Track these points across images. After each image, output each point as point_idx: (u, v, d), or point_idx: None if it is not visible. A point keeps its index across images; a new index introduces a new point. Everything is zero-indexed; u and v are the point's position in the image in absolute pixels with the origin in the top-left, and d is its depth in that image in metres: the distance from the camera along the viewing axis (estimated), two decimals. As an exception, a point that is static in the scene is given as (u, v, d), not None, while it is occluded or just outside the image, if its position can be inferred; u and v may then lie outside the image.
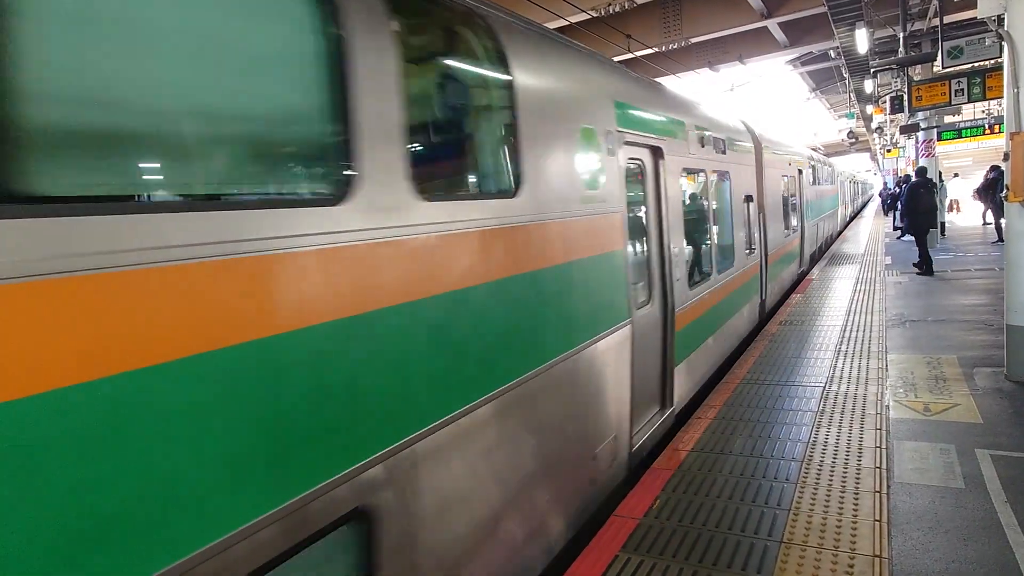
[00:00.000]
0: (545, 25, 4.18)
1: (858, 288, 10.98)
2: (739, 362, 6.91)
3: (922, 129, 16.40)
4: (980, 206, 19.00)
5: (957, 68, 12.20)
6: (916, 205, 12.23)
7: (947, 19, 12.94)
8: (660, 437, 5.03)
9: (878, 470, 4.07)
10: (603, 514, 3.97)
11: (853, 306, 9.42)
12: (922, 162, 16.44)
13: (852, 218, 32.43)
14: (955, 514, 3.50)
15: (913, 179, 13.74)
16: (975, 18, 6.31)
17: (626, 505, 3.87)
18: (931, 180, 13.16)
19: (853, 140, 36.77)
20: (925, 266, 11.86)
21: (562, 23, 15.13)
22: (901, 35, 14.37)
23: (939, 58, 11.76)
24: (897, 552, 3.18)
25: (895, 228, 20.08)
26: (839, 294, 10.50)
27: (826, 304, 9.72)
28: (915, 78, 15.32)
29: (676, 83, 21.15)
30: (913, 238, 12.59)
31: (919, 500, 3.68)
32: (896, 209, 19.25)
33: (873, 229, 23.76)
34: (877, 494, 3.76)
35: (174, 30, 1.73)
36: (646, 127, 4.87)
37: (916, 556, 3.15)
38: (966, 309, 8.68)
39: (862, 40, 14.67)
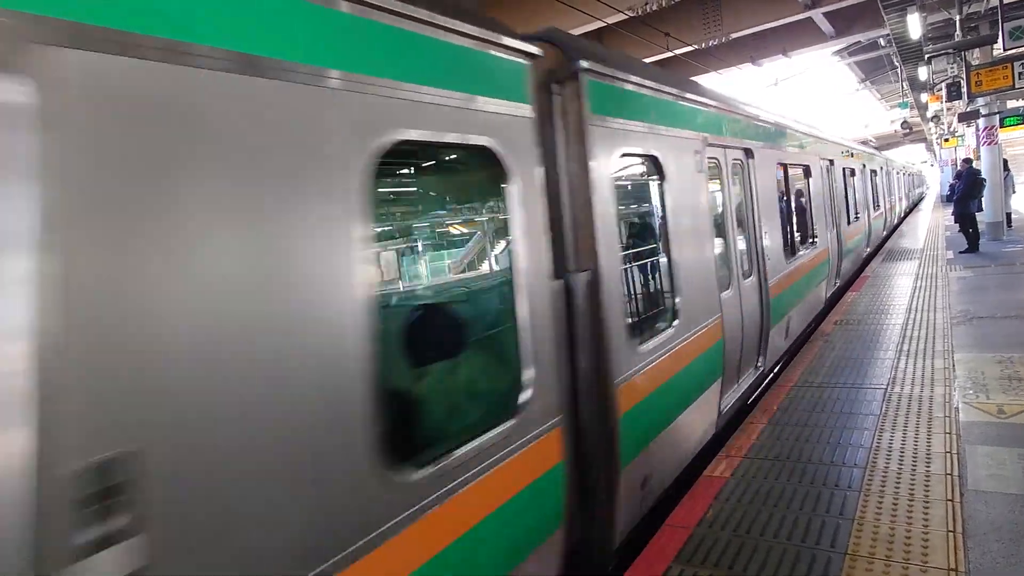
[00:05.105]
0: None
1: (918, 284, 10.47)
2: (792, 363, 6.65)
3: (983, 116, 15.53)
4: None
5: (1020, 49, 11.55)
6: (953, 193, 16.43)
7: (1007, -2, 12.25)
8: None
9: (949, 477, 3.82)
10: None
11: (914, 303, 8.98)
12: (968, 155, 19.57)
13: (906, 214, 31.04)
14: (1038, 524, 3.24)
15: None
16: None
17: (678, 514, 3.74)
18: (975, 171, 15.05)
19: (907, 131, 35.30)
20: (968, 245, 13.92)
21: (599, 24, 14.98)
22: (957, 18, 13.67)
23: (1000, 40, 11.16)
24: (975, 565, 2.96)
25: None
26: (898, 291, 10.03)
27: (884, 302, 9.29)
28: (973, 63, 14.56)
29: (717, 80, 20.71)
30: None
31: (997, 509, 3.43)
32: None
33: (932, 222, 22.72)
34: (949, 503, 3.52)
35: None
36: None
37: (997, 570, 2.92)
38: (1039, 304, 8.15)
39: (915, 25, 14.03)
